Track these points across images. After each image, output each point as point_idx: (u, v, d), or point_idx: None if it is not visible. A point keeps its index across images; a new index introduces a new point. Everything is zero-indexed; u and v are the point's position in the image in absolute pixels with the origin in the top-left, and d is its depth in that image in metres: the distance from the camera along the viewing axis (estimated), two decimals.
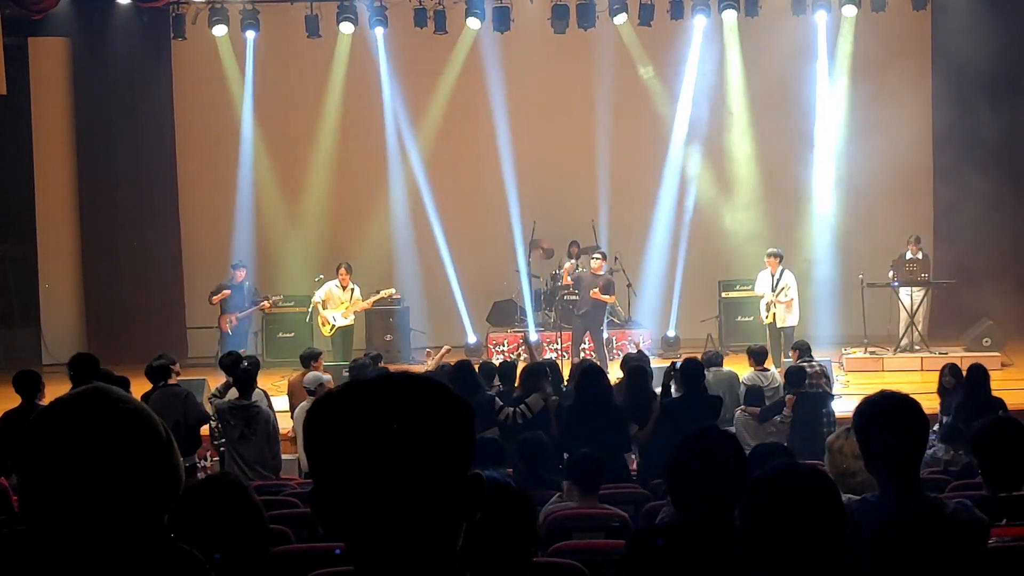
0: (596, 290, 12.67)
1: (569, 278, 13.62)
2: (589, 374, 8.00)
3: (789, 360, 10.99)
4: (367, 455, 1.37)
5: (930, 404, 7.58)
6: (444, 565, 1.41)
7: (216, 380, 9.67)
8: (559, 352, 13.31)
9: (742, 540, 2.27)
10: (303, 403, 8.87)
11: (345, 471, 1.38)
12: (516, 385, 8.60)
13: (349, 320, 13.21)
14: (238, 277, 13.11)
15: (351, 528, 1.40)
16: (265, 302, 13.22)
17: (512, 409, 7.96)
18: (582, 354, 12.64)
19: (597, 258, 12.96)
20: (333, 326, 13.11)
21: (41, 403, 7.83)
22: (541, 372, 8.46)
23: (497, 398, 8.22)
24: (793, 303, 12.83)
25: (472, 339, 14.80)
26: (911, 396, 3.00)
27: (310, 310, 13.62)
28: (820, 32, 15.00)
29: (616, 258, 14.95)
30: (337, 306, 13.13)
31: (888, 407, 2.92)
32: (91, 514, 1.60)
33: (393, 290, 13.74)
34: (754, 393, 9.24)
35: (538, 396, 8.04)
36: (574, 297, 13.38)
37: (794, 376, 9.11)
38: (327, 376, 9.09)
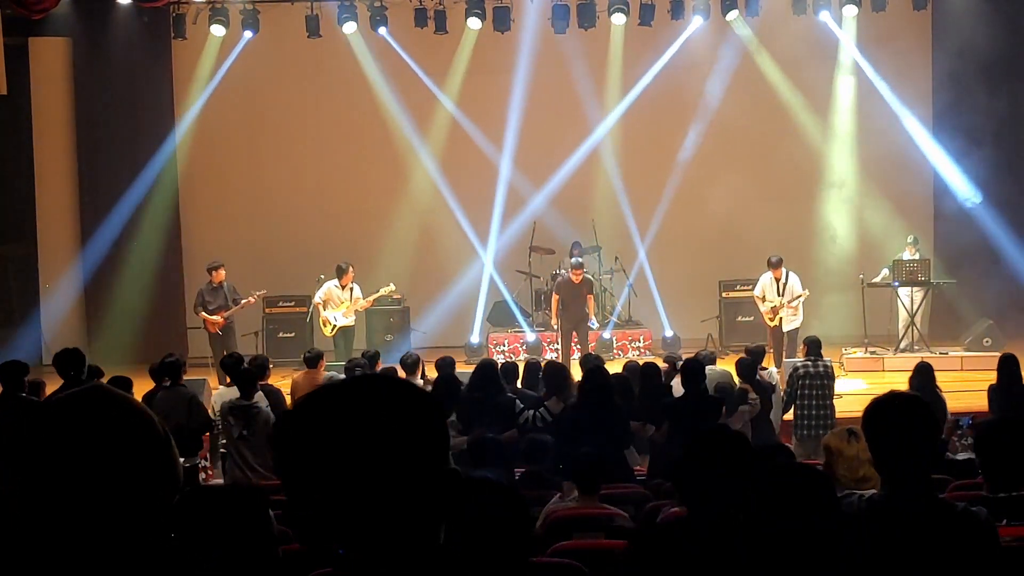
0: (589, 308, 12.89)
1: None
2: (593, 373, 7.99)
3: (791, 360, 11.01)
4: (338, 458, 1.38)
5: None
6: (424, 562, 1.42)
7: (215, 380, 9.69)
8: (558, 352, 13.31)
9: (743, 539, 2.28)
10: None
11: (318, 475, 1.39)
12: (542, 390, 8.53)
13: (350, 320, 13.19)
14: (216, 279, 12.95)
15: (330, 531, 1.41)
16: (249, 299, 13.08)
17: (532, 412, 7.93)
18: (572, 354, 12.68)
19: (577, 271, 12.93)
20: (334, 326, 13.09)
21: (23, 395, 7.75)
22: (565, 374, 8.38)
23: (518, 400, 8.20)
24: (799, 305, 12.78)
25: (476, 339, 14.80)
26: (919, 396, 3.02)
27: (310, 310, 13.58)
28: (830, 24, 14.97)
29: (616, 258, 14.95)
30: (338, 306, 13.12)
31: (897, 407, 2.94)
32: (89, 513, 1.60)
33: (392, 287, 13.68)
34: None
35: (557, 400, 8.00)
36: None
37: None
38: (341, 376, 9.05)
